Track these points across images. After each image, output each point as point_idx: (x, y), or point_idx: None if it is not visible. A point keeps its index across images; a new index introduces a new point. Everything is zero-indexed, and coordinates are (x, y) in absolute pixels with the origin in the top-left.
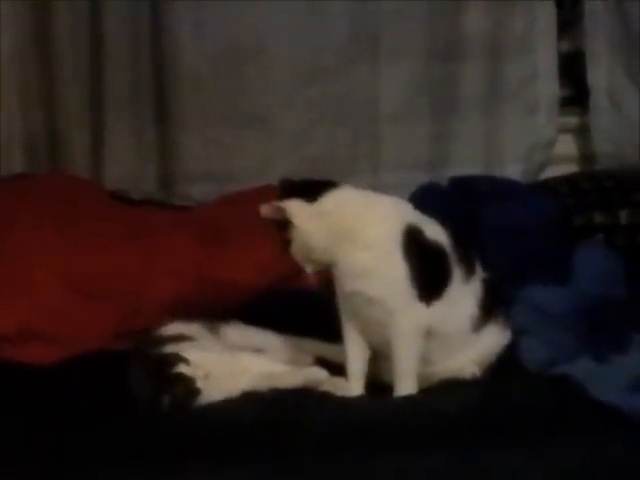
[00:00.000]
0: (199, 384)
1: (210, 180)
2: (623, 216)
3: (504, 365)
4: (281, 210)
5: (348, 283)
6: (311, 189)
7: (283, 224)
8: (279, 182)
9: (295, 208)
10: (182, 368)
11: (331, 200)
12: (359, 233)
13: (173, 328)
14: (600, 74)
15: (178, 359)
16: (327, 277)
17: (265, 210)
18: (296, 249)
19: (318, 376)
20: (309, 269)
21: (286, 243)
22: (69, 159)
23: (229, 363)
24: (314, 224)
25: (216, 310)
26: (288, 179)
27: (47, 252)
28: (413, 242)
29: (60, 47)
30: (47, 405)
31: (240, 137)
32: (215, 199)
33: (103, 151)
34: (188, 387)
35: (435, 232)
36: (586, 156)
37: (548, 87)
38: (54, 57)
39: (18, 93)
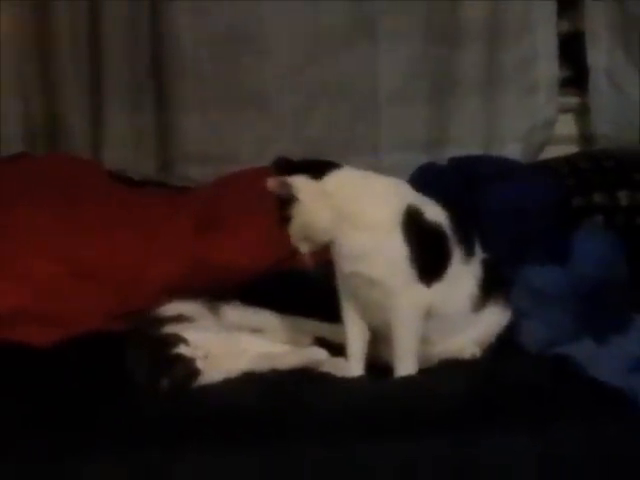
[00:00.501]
0: (199, 364)
1: (208, 162)
2: (623, 197)
3: (504, 346)
4: (287, 185)
5: (347, 264)
6: (315, 168)
7: (286, 200)
8: (274, 160)
9: (301, 184)
10: (182, 349)
11: (335, 179)
12: (359, 214)
13: (172, 308)
14: (599, 55)
15: (177, 339)
16: (325, 258)
17: (271, 184)
18: (296, 227)
19: (318, 356)
20: (304, 249)
21: (285, 220)
22: (68, 143)
23: (228, 343)
24: (318, 202)
25: (215, 292)
26: (284, 157)
27: (45, 233)
28: (413, 223)
29: (58, 32)
30: (44, 387)
31: (238, 119)
32: (213, 181)
33: (102, 134)
34: (188, 368)
35: (435, 213)
36: (586, 136)
37: (548, 68)
38: (52, 41)
39: (16, 78)
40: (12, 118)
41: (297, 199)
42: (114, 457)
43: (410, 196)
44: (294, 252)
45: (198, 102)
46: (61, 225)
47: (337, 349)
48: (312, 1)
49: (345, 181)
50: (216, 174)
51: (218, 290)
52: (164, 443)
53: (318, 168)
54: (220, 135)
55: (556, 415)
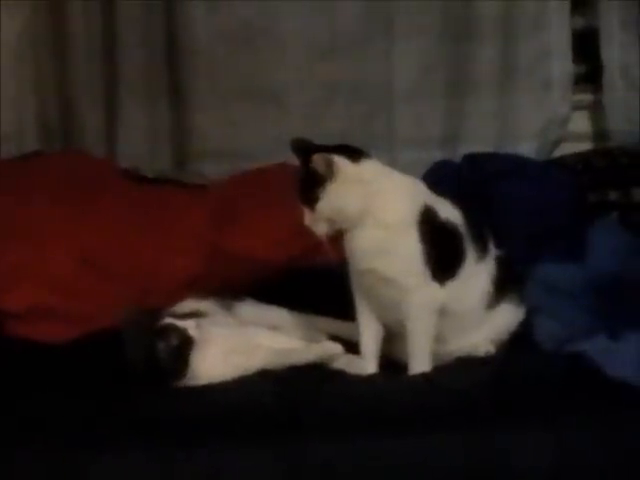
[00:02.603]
0: (191, 332)
1: (224, 158)
2: (637, 194)
3: (518, 343)
4: (329, 162)
5: (362, 261)
6: (350, 152)
7: (319, 179)
8: (293, 141)
9: (342, 163)
10: (171, 321)
11: (370, 167)
12: (378, 210)
13: (187, 305)
14: (614, 51)
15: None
16: (341, 255)
17: (316, 159)
18: (324, 207)
19: (333, 350)
20: (322, 230)
21: (311, 200)
22: (83, 140)
23: (243, 338)
24: (353, 186)
25: (230, 288)
26: (303, 138)
27: (60, 230)
28: (428, 222)
29: (73, 28)
30: (60, 383)
31: (254, 115)
32: (229, 177)
33: (117, 131)
34: (181, 335)
35: (449, 211)
36: (600, 133)
37: (562, 64)
38: (67, 38)
39: (32, 75)
40: (28, 116)
41: (332, 180)
42: (127, 454)
43: (426, 195)
44: (316, 246)
45: (213, 99)
46: (78, 223)
47: (351, 347)
48: None
49: (376, 172)
50: (232, 171)
51: (234, 286)
52: (178, 440)
53: (352, 152)
54: (236, 132)
55: (571, 412)
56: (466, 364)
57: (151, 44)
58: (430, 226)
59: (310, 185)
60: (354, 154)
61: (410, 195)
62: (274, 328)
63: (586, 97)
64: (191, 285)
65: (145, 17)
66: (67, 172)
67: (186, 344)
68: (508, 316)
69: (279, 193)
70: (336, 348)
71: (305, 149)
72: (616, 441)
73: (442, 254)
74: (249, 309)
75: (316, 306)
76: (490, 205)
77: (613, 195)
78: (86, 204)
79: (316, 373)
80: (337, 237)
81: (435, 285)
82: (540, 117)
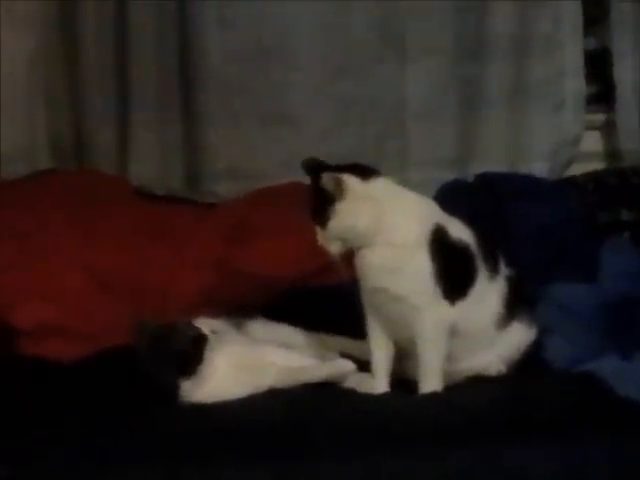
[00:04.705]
0: (205, 330)
1: (236, 177)
2: None
3: (529, 363)
4: (338, 181)
5: (373, 279)
6: (359, 170)
7: (329, 197)
8: (305, 161)
9: (351, 182)
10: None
11: (380, 186)
12: (390, 229)
13: (198, 323)
14: (626, 71)
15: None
16: (352, 274)
17: (325, 179)
18: (335, 226)
19: (344, 369)
20: (335, 249)
21: (323, 219)
22: (95, 157)
23: (254, 356)
24: (363, 204)
25: (242, 306)
26: (315, 158)
27: (72, 248)
28: (439, 242)
29: (86, 46)
30: (67, 402)
31: (266, 134)
32: (241, 196)
33: (129, 150)
34: (196, 331)
35: (460, 231)
36: (612, 153)
37: (574, 84)
38: (80, 56)
39: (44, 92)
40: (41, 133)
41: (342, 198)
42: (134, 470)
43: (437, 214)
44: (327, 266)
45: (226, 117)
46: (89, 240)
47: (362, 365)
48: (342, 16)
49: (386, 190)
50: (244, 190)
51: (245, 304)
52: (185, 457)
53: (363, 171)
54: (248, 151)
55: (583, 433)
56: (477, 383)
57: (164, 62)
58: (441, 245)
59: (321, 204)
60: (364, 173)
61: (421, 214)
62: (285, 346)
63: (598, 117)
64: (202, 303)
65: (158, 35)
66: (81, 190)
67: (201, 340)
68: (519, 335)
69: (291, 212)
70: (347, 366)
71: (316, 168)
72: (629, 462)
73: (453, 273)
74: (260, 327)
75: (328, 325)
76: (502, 225)
77: (625, 215)
78: (98, 222)
79: (327, 392)
80: (349, 256)
81: (446, 304)
82: (552, 137)
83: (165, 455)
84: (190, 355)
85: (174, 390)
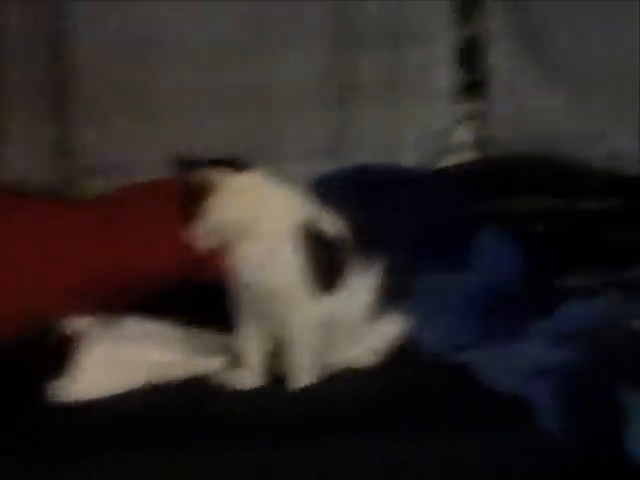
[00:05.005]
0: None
1: (110, 173)
2: (520, 203)
3: (403, 354)
4: (209, 176)
5: (244, 274)
6: (233, 164)
7: (201, 193)
8: (176, 156)
9: (223, 176)
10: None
11: (252, 179)
12: (259, 222)
13: (69, 323)
14: (499, 61)
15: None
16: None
17: (196, 174)
18: (208, 221)
19: (216, 364)
20: (209, 244)
21: (195, 215)
22: None
23: (128, 352)
24: (235, 198)
25: (115, 302)
26: (186, 153)
27: None
28: (309, 236)
29: None
30: None
31: (138, 129)
32: (115, 192)
33: None
34: (61, 334)
35: (332, 224)
36: (484, 143)
37: (446, 74)
38: None
39: None
40: None
41: (213, 193)
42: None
43: (308, 207)
44: (200, 260)
45: (98, 114)
46: None
47: (235, 360)
48: (212, 8)
49: (257, 184)
50: (117, 185)
51: (119, 300)
52: (58, 454)
53: (235, 164)
54: (120, 147)
55: (453, 422)
56: (349, 375)
57: (33, 59)
58: (311, 239)
59: (193, 199)
60: (236, 166)
61: (291, 208)
62: (158, 342)
63: (471, 107)
64: (73, 301)
65: (28, 31)
66: None
67: (70, 340)
68: (392, 327)
69: (165, 208)
70: (219, 362)
71: (187, 163)
72: (498, 451)
73: (324, 267)
74: (132, 324)
75: (201, 320)
76: (375, 216)
77: (496, 205)
78: None
79: (201, 386)
80: (222, 251)
81: (317, 298)
82: (424, 127)
83: (35, 452)
84: (58, 356)
85: (42, 390)
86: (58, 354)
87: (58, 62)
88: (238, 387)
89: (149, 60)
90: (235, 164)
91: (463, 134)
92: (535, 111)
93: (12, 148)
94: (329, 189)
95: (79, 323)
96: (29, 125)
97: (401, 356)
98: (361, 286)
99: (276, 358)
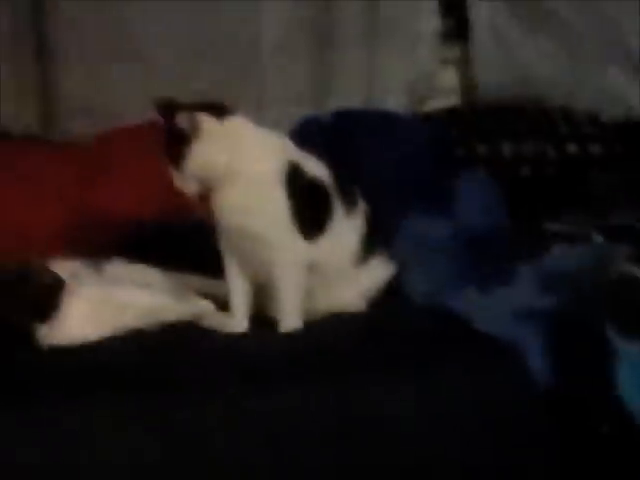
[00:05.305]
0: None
1: (92, 116)
2: (505, 148)
3: (388, 298)
4: (194, 120)
5: (229, 217)
6: (216, 109)
7: (181, 138)
8: (157, 100)
9: (207, 122)
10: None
11: (235, 124)
12: (244, 166)
13: (54, 266)
14: (482, 6)
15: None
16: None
17: (180, 118)
18: (191, 165)
19: (204, 308)
20: (192, 189)
21: (178, 159)
22: None
23: (113, 297)
24: (219, 142)
25: (99, 246)
26: (168, 97)
27: None
28: (294, 179)
29: None
30: None
31: (122, 73)
32: (97, 135)
33: None
34: (53, 276)
35: (316, 168)
36: (468, 88)
37: (429, 19)
38: None
39: None
40: None
41: (197, 137)
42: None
43: (292, 152)
44: (184, 204)
45: (80, 56)
46: None
47: (221, 304)
48: None
49: (241, 128)
50: (100, 129)
51: (102, 242)
52: (45, 400)
53: (218, 109)
54: (103, 90)
55: (439, 365)
56: (336, 320)
57: (16, 1)
58: (296, 183)
59: (176, 144)
60: (219, 111)
61: (275, 152)
62: (144, 286)
63: (454, 52)
64: (57, 244)
65: None
66: None
67: (56, 285)
68: (378, 271)
69: (148, 151)
70: (207, 306)
71: (169, 107)
72: (483, 393)
73: (309, 210)
74: (118, 268)
75: (187, 264)
76: (358, 160)
77: (481, 149)
78: None
79: (187, 331)
80: (207, 195)
81: (302, 241)
82: (407, 72)
83: (23, 398)
84: (45, 300)
85: (30, 334)
86: (45, 297)
87: (39, 4)
88: (225, 331)
89: (132, 3)
90: (218, 109)
91: (447, 78)
92: (520, 55)
93: None
94: (312, 134)
95: (65, 266)
96: (10, 67)
97: (387, 300)
98: (346, 230)
99: (263, 302)
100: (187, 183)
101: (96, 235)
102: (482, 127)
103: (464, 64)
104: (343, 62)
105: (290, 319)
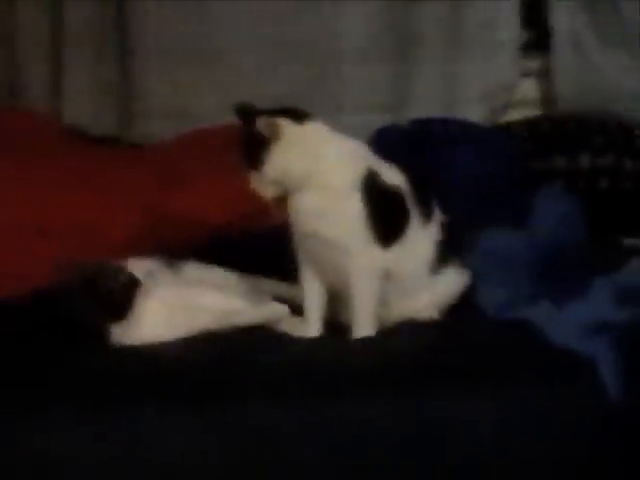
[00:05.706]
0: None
1: (171, 118)
2: (584, 160)
3: (462, 309)
4: (274, 125)
5: (305, 223)
6: (292, 114)
7: (263, 141)
8: (237, 105)
9: (286, 125)
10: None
11: (314, 129)
12: (321, 173)
13: (131, 265)
14: (563, 17)
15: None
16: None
17: (259, 123)
18: (268, 169)
19: (278, 312)
20: (269, 193)
21: (257, 163)
22: (28, 94)
23: (187, 298)
24: (298, 147)
25: (174, 249)
26: (247, 103)
27: (3, 191)
28: (371, 186)
29: None
30: None
31: (201, 75)
32: (175, 138)
33: (63, 88)
34: (128, 275)
35: (393, 176)
36: (548, 100)
37: (510, 29)
38: None
39: None
40: None
41: (276, 142)
42: (68, 417)
43: (370, 159)
44: (262, 209)
45: (161, 58)
46: (17, 181)
47: (295, 309)
48: None
49: (320, 134)
50: (178, 131)
51: (177, 247)
52: (118, 402)
53: (297, 115)
54: (182, 92)
55: (513, 378)
56: (410, 329)
57: (100, 1)
58: (373, 190)
59: (255, 148)
60: (298, 116)
61: (354, 158)
62: (219, 289)
63: (535, 63)
64: (132, 246)
65: None
66: (12, 131)
67: (132, 285)
68: (452, 282)
69: (225, 155)
70: (281, 310)
71: (249, 112)
72: (557, 408)
73: (385, 218)
74: (193, 269)
75: (261, 268)
76: (435, 170)
77: (559, 162)
78: (27, 162)
79: (260, 335)
80: (283, 200)
81: (378, 249)
82: (487, 82)
83: (92, 398)
84: (120, 300)
85: (104, 333)
86: (119, 297)
87: (123, 5)
88: (298, 337)
89: (214, 5)
90: (297, 114)
91: (527, 90)
92: (599, 68)
93: (74, 90)
94: (390, 142)
95: (141, 265)
96: (92, 67)
97: (461, 311)
98: (422, 238)
99: (337, 308)
100: (264, 187)
101: (173, 238)
102: (560, 139)
103: (544, 75)
104: (423, 70)
105: (364, 326)
